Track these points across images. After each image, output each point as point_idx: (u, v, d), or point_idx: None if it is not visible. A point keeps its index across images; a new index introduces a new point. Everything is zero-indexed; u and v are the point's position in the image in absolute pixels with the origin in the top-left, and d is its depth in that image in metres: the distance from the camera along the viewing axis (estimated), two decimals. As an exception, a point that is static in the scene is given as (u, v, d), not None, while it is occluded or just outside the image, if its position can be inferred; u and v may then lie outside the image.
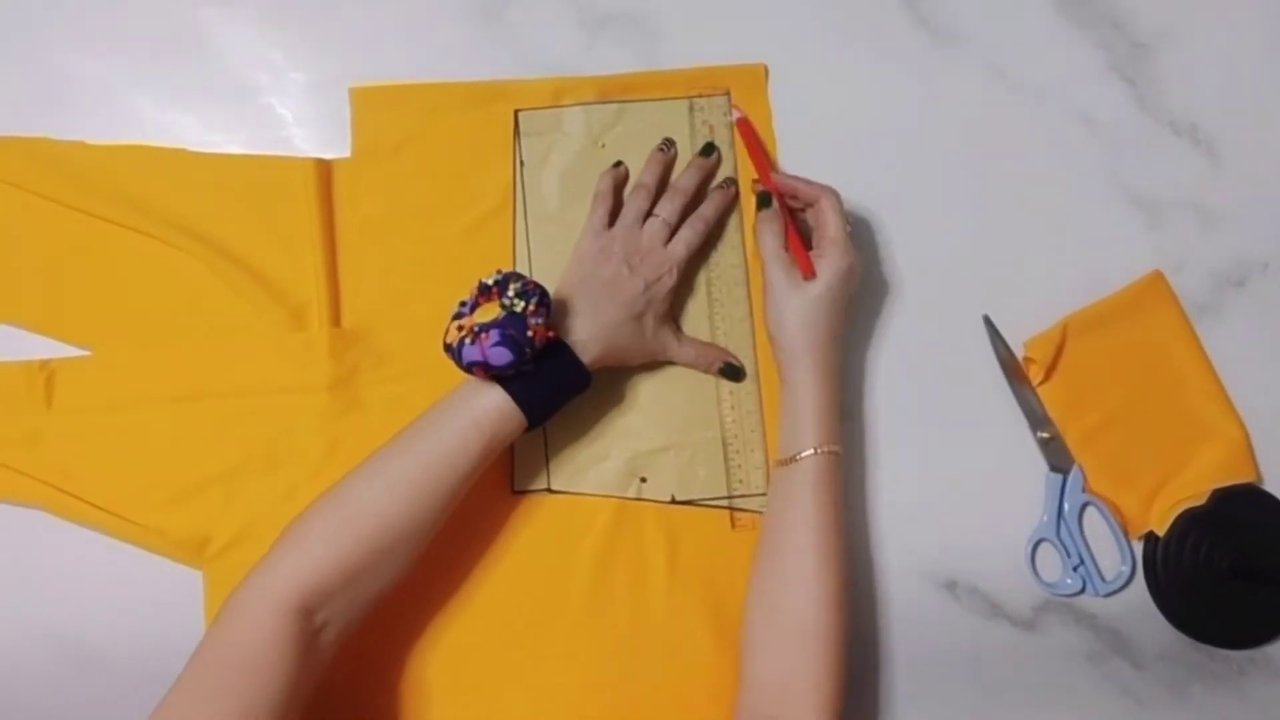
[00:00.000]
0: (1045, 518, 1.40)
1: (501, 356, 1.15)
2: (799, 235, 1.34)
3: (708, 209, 1.39)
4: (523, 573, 1.33)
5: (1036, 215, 1.47)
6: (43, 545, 1.31)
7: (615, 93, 1.44)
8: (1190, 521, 1.40)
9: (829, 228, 1.30)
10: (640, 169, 1.42)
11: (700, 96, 1.45)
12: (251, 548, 1.26)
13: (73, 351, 1.35)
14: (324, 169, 1.38)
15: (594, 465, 1.36)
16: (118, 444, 1.32)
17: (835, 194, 1.31)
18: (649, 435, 1.38)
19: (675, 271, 1.33)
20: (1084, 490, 1.40)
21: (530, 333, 1.16)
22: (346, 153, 1.40)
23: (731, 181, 1.42)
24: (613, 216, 1.37)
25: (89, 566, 1.31)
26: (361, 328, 1.36)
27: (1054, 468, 1.41)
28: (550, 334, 1.19)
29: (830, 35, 1.49)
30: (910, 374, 1.43)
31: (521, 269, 1.39)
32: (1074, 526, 1.39)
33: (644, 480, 1.36)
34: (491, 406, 1.19)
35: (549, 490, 1.35)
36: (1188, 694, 1.39)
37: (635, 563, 1.35)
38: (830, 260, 1.29)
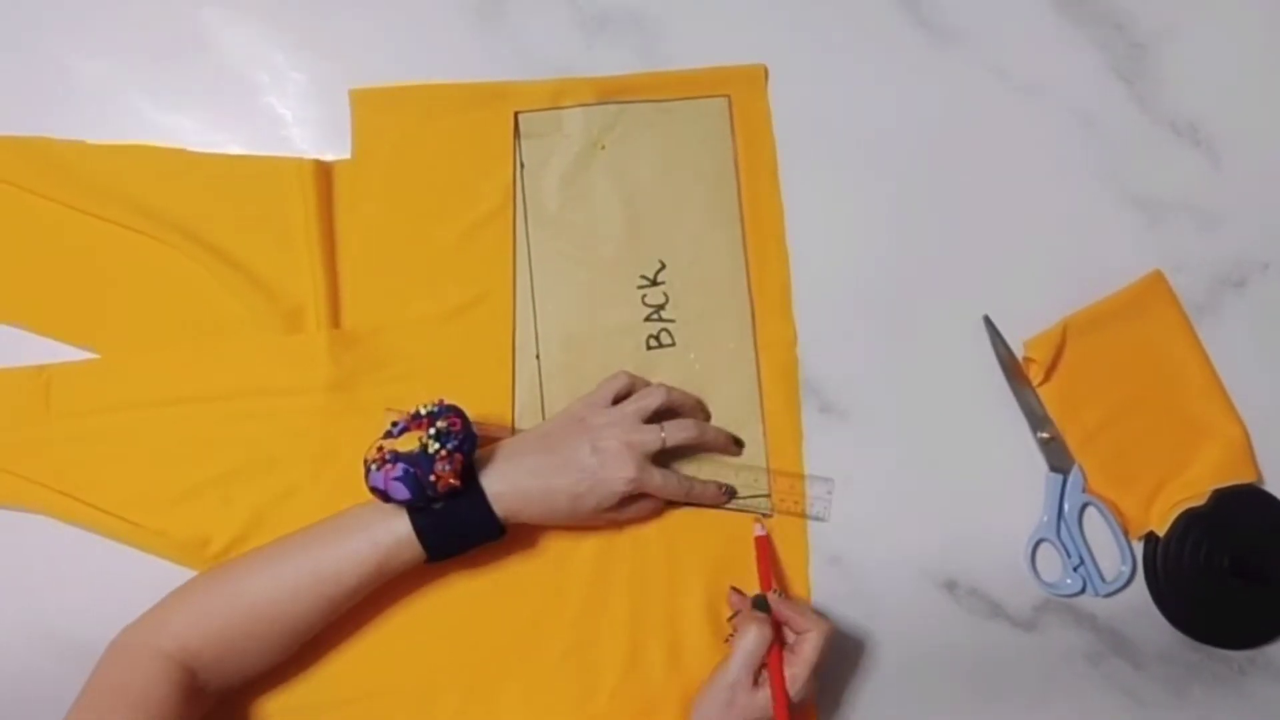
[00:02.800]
0: (1045, 518, 1.40)
1: (399, 492, 1.15)
2: (784, 679, 1.21)
3: (694, 413, 1.38)
4: (520, 574, 1.33)
5: (1036, 215, 1.48)
6: (43, 546, 1.30)
7: (615, 94, 1.44)
8: (1190, 521, 1.40)
9: (805, 658, 1.21)
10: (640, 175, 1.43)
11: (700, 98, 1.45)
12: (251, 549, 1.27)
13: (70, 351, 1.34)
14: (322, 169, 1.38)
15: None
16: (117, 446, 1.31)
17: (829, 631, 1.23)
18: (649, 437, 1.37)
19: (635, 464, 1.25)
20: (1084, 490, 1.40)
21: (434, 477, 1.15)
22: (347, 152, 1.40)
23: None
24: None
25: (90, 568, 1.31)
26: (361, 329, 1.36)
27: (1054, 468, 1.41)
28: (455, 483, 1.17)
29: (830, 35, 1.49)
30: (910, 374, 1.43)
31: (521, 271, 1.39)
32: (1074, 527, 1.39)
33: (644, 482, 1.36)
34: (391, 534, 1.19)
35: (549, 490, 1.35)
36: (1188, 694, 1.40)
37: (633, 564, 1.35)
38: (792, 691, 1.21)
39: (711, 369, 1.40)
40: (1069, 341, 1.42)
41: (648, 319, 1.40)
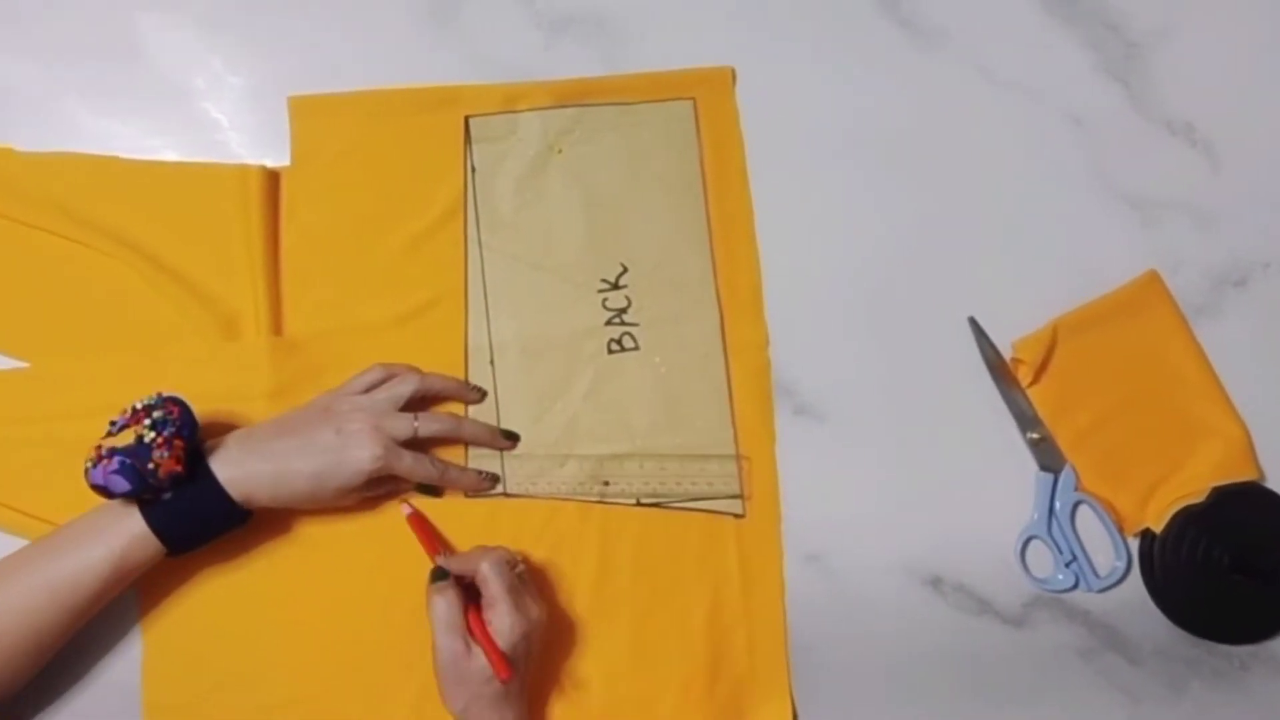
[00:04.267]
0: (1035, 516, 1.38)
1: (119, 485, 1.12)
2: (485, 629, 1.18)
3: (426, 379, 1.33)
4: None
5: (1030, 217, 1.47)
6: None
7: (573, 97, 1.43)
8: (1189, 519, 1.37)
9: (491, 592, 1.19)
10: (600, 178, 1.42)
11: (664, 101, 1.45)
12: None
13: (3, 361, 1.34)
14: (269, 176, 1.36)
15: (553, 469, 1.34)
16: (50, 455, 1.29)
17: (495, 556, 1.21)
18: (612, 442, 1.36)
19: (370, 420, 1.24)
20: (1076, 489, 1.38)
21: (153, 464, 1.13)
22: (285, 158, 1.39)
23: (480, 391, 1.37)
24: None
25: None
26: (303, 337, 1.34)
27: (1044, 468, 1.39)
28: (178, 468, 1.15)
29: (804, 37, 1.49)
30: (891, 375, 1.42)
31: (474, 275, 1.38)
32: (1066, 524, 1.37)
33: (606, 484, 1.34)
34: (126, 532, 1.16)
35: (505, 495, 1.34)
36: (1186, 689, 1.37)
37: (598, 564, 1.33)
38: (507, 630, 1.18)
39: (678, 372, 1.39)
40: (1061, 342, 1.41)
41: (609, 323, 1.39)
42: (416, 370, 1.33)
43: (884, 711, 1.34)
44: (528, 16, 1.45)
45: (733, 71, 1.46)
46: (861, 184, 1.45)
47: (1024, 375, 1.41)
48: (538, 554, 1.32)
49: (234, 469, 1.18)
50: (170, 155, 1.39)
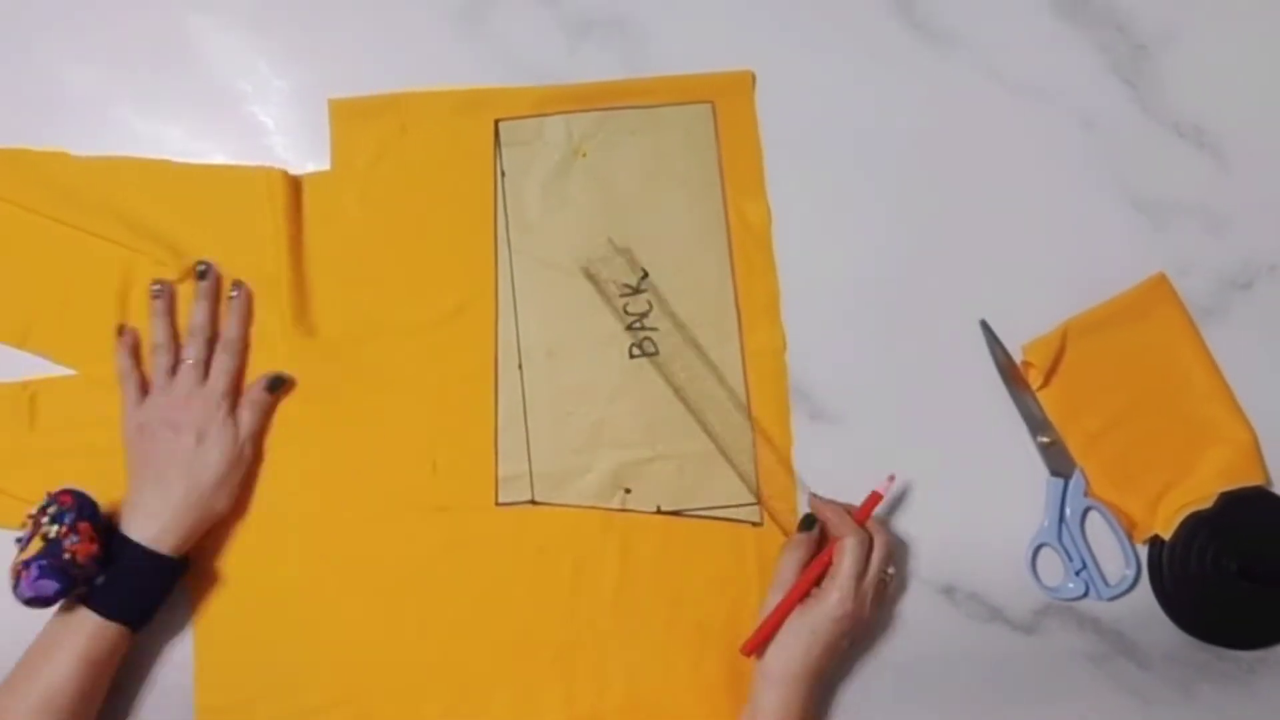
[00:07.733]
0: (1046, 522, 1.38)
1: (48, 588, 1.13)
2: (822, 565, 1.25)
3: (230, 329, 1.34)
4: (507, 584, 1.33)
5: (1039, 220, 1.47)
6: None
7: (597, 100, 1.43)
8: (1197, 525, 1.37)
9: (839, 571, 1.22)
10: (622, 183, 1.42)
11: (684, 104, 1.45)
12: (235, 562, 1.30)
13: (53, 366, 1.35)
14: (290, 179, 1.38)
15: (577, 477, 1.36)
16: (101, 461, 1.31)
17: (862, 539, 1.24)
18: (633, 447, 1.37)
19: (224, 404, 1.29)
20: (1086, 494, 1.38)
21: (68, 555, 1.14)
22: (329, 160, 1.40)
23: (239, 285, 1.35)
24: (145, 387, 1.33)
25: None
26: (341, 340, 1.36)
27: (1055, 472, 1.39)
28: (93, 548, 1.16)
29: (822, 40, 1.48)
30: (905, 379, 1.42)
31: (503, 279, 1.39)
32: (1076, 531, 1.37)
33: (628, 491, 1.36)
34: (80, 630, 1.18)
35: (532, 502, 1.35)
36: (1196, 692, 1.38)
37: (620, 572, 1.34)
38: (826, 602, 1.22)
39: (697, 377, 1.39)
40: (1070, 344, 1.41)
41: (630, 327, 1.39)
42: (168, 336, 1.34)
43: (899, 716, 1.35)
44: (553, 20, 1.45)
45: (752, 75, 1.46)
46: (876, 188, 1.45)
47: (1034, 379, 1.41)
48: (563, 562, 1.34)
49: (152, 526, 1.22)
50: (219, 158, 1.40)
